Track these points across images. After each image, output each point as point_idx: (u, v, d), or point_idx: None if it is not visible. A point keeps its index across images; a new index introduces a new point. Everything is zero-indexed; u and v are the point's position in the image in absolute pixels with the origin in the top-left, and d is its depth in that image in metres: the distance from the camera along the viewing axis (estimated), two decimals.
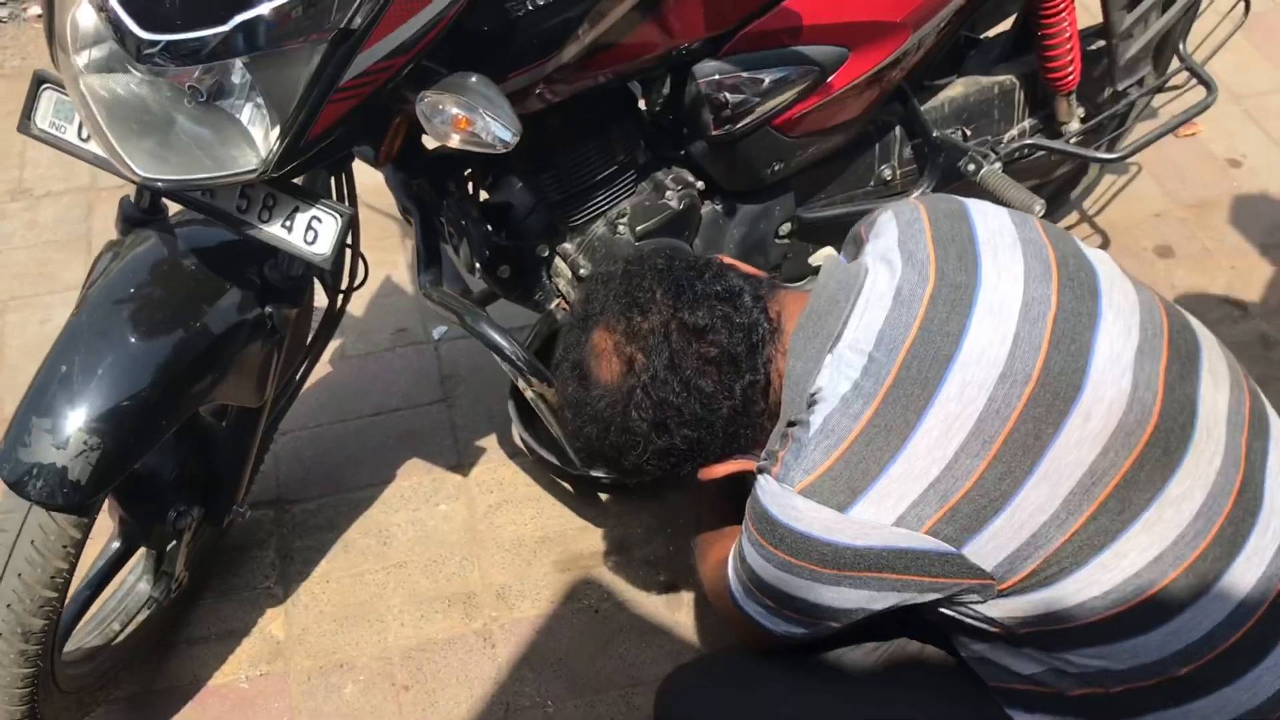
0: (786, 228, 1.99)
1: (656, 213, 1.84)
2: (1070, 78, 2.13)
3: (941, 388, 1.25)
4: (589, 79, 1.64)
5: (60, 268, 2.78)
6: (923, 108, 2.06)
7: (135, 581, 1.93)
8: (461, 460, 2.32)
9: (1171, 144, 2.69)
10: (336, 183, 1.72)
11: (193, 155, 1.39)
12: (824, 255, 2.09)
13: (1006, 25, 2.29)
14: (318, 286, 1.90)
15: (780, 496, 1.30)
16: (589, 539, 2.18)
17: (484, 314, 1.75)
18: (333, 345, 2.10)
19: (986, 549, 1.26)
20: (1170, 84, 2.44)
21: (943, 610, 1.36)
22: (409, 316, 2.62)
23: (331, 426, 2.40)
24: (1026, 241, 1.36)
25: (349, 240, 1.76)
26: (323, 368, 2.40)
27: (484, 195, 1.93)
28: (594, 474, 2.05)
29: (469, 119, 1.37)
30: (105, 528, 1.79)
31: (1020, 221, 1.41)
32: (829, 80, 1.80)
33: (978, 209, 1.42)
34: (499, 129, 1.38)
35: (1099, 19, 2.22)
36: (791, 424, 1.33)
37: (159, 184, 1.42)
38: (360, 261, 1.87)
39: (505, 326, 1.77)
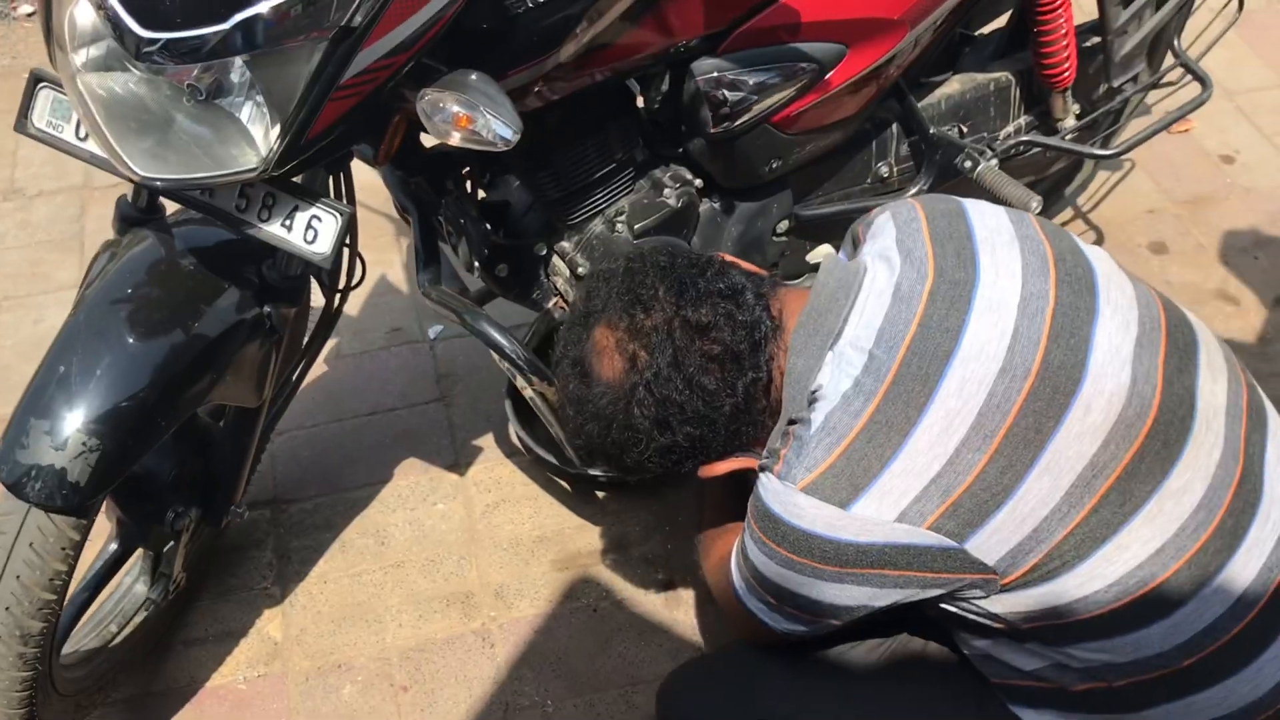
0: (784, 225, 1.99)
1: (654, 210, 1.84)
2: (1066, 74, 2.14)
3: (942, 384, 1.25)
4: (587, 77, 1.64)
5: (53, 267, 2.77)
6: (919, 105, 2.06)
7: (132, 583, 1.92)
8: (458, 459, 2.32)
9: (1165, 140, 2.70)
10: (335, 182, 1.71)
11: (192, 154, 1.38)
12: (821, 253, 2.09)
13: (1000, 22, 2.29)
14: (314, 286, 1.89)
15: (782, 494, 1.30)
16: (587, 537, 2.18)
17: (484, 313, 1.75)
18: (328, 344, 2.09)
19: (989, 543, 1.26)
20: (1165, 80, 2.45)
21: (945, 607, 1.36)
22: (404, 315, 2.61)
23: (328, 426, 2.39)
24: (1024, 238, 1.37)
25: (347, 239, 1.76)
26: (318, 367, 2.39)
27: (481, 194, 1.92)
28: (592, 472, 2.05)
29: (470, 117, 1.37)
30: (102, 529, 1.78)
31: (1017, 219, 1.41)
32: (827, 77, 1.80)
33: (975, 208, 1.42)
34: (500, 127, 1.37)
35: (1093, 15, 2.22)
36: (793, 422, 1.34)
37: (158, 183, 1.41)
38: (358, 261, 1.86)
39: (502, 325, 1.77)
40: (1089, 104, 2.30)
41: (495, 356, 1.77)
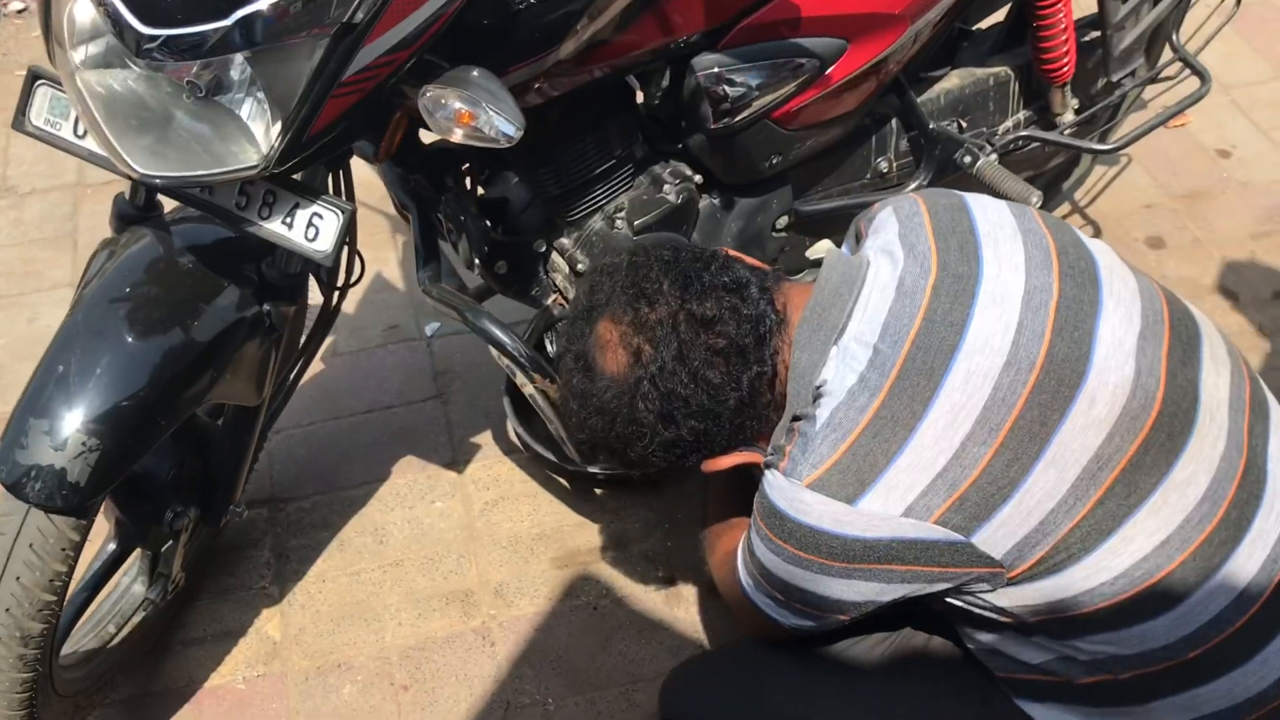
0: (784, 221, 1.99)
1: (654, 207, 1.83)
2: (1066, 69, 2.13)
3: (947, 378, 1.25)
4: (588, 73, 1.63)
5: (46, 265, 2.76)
6: (919, 100, 2.06)
7: (130, 583, 1.91)
8: (456, 457, 2.31)
9: (1161, 135, 2.70)
10: (334, 179, 1.70)
11: (192, 151, 1.38)
12: (821, 248, 2.08)
13: (999, 16, 2.29)
14: (311, 283, 1.88)
15: (788, 491, 1.30)
16: (586, 535, 2.17)
17: (485, 310, 1.74)
18: (325, 342, 2.08)
19: (995, 536, 1.26)
20: (1163, 75, 2.45)
21: (951, 601, 1.36)
22: (401, 313, 2.61)
23: (325, 424, 2.38)
24: (1026, 232, 1.37)
25: (347, 237, 1.75)
26: (315, 365, 2.39)
27: (480, 191, 1.91)
28: (591, 470, 2.05)
29: (472, 113, 1.36)
30: (100, 530, 1.77)
31: (1019, 213, 1.41)
32: (828, 72, 1.79)
33: (977, 202, 1.43)
34: (502, 123, 1.37)
35: (1092, 10, 2.22)
36: (797, 418, 1.34)
37: (158, 181, 1.40)
38: (357, 259, 1.85)
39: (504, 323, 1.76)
40: (1087, 99, 2.30)
41: (496, 354, 1.76)
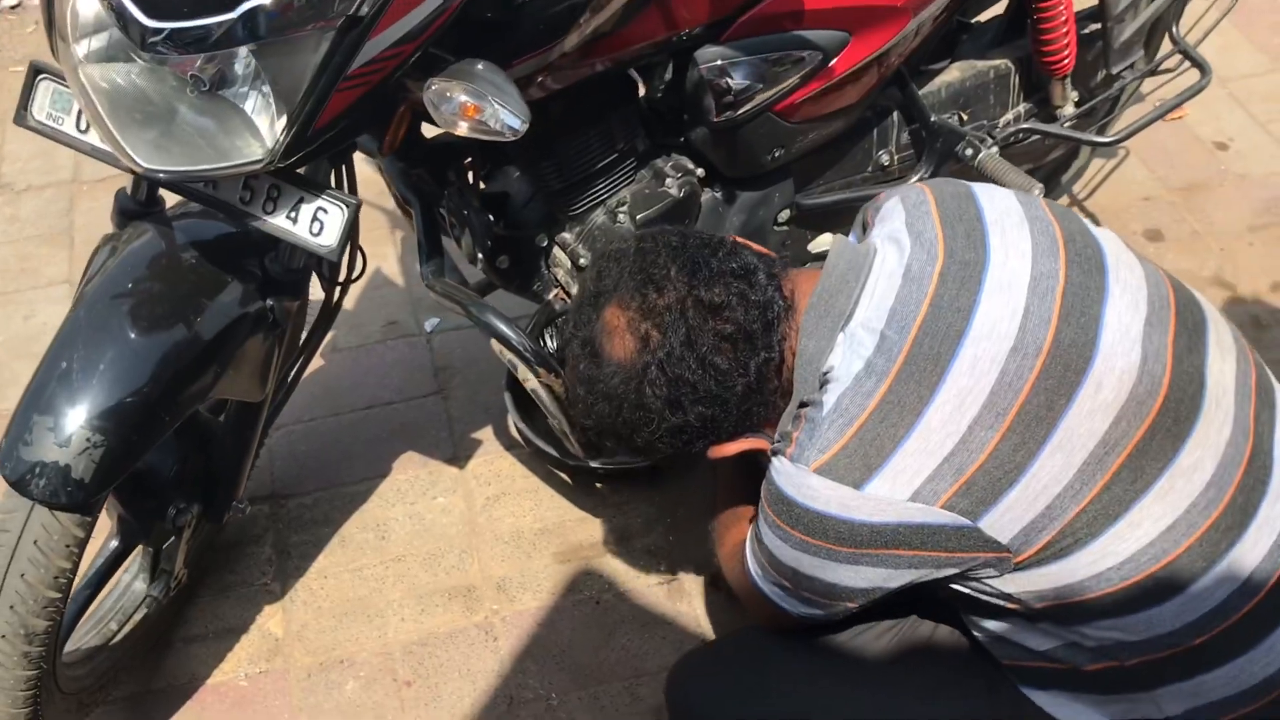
0: (785, 214, 1.99)
1: (656, 200, 1.83)
2: (1066, 62, 2.13)
3: (953, 363, 1.26)
4: (591, 66, 1.63)
5: (42, 262, 2.75)
6: (920, 93, 2.06)
7: (132, 580, 1.91)
8: (458, 453, 2.31)
9: (1159, 128, 2.70)
10: (338, 173, 1.70)
11: (196, 146, 1.38)
12: (823, 242, 2.08)
13: (999, 9, 2.29)
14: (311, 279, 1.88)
15: (795, 476, 1.30)
16: (588, 530, 2.17)
17: (489, 304, 1.73)
18: (325, 339, 2.08)
19: (1002, 521, 1.26)
20: (1162, 67, 2.45)
21: (957, 588, 1.37)
22: (400, 309, 2.60)
23: (325, 420, 2.38)
24: (1033, 219, 1.38)
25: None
26: (315, 361, 2.37)
27: (482, 185, 1.91)
28: (592, 464, 2.04)
29: (478, 106, 1.36)
30: (102, 527, 1.76)
31: (1026, 201, 1.42)
32: (830, 65, 1.79)
33: (984, 190, 1.43)
34: (508, 116, 1.36)
35: (1092, 2, 2.22)
36: (804, 405, 1.34)
37: (161, 175, 1.40)
38: (359, 254, 1.85)
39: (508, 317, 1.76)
40: (1087, 91, 2.30)
41: (498, 348, 1.76)
